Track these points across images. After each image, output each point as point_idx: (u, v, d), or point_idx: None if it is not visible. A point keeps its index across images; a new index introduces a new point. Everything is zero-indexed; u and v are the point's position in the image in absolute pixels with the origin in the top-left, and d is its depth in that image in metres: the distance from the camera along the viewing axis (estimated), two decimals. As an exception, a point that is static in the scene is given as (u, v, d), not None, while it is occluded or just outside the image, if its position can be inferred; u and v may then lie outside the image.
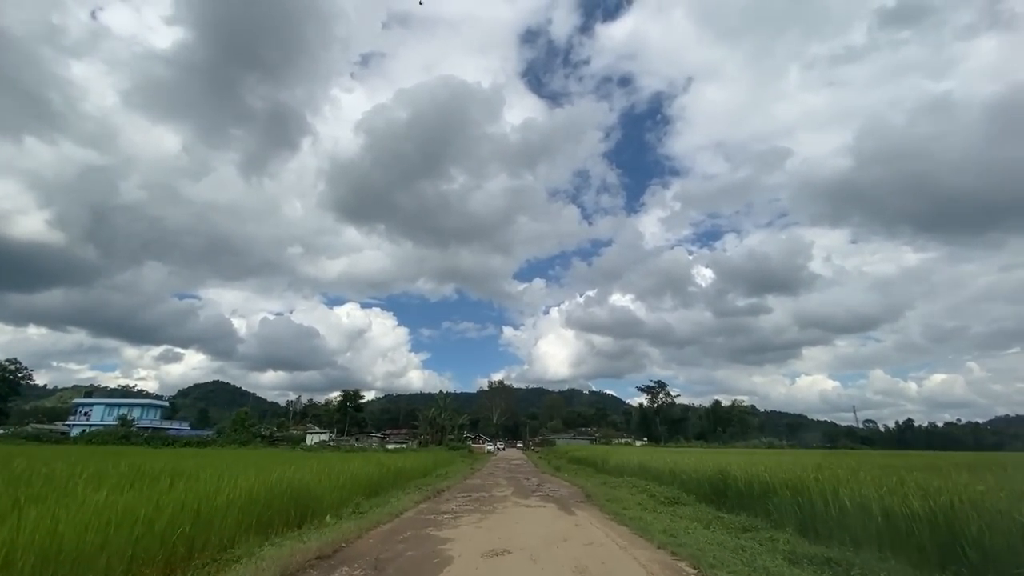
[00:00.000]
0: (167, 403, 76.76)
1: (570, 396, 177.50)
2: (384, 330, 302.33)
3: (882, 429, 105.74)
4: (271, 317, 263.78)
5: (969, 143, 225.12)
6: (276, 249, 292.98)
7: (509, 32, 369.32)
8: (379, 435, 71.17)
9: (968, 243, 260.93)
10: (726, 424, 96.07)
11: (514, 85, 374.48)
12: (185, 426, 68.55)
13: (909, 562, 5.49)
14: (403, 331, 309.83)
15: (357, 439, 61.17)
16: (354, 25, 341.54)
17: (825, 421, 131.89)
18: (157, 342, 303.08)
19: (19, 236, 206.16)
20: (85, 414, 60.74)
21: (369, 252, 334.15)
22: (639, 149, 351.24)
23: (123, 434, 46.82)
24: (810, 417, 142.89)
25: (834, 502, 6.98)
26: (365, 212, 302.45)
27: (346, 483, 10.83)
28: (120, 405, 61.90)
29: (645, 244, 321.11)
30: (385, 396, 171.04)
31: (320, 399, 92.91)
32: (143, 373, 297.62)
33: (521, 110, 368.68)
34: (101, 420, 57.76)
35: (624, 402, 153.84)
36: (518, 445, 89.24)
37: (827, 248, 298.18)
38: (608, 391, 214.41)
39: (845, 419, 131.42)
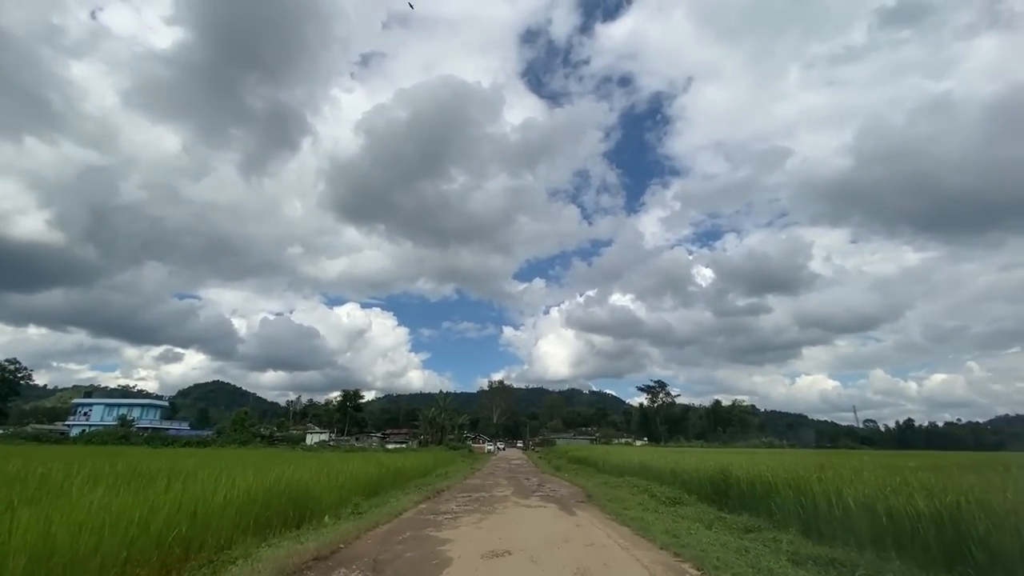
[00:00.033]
0: (167, 403, 76.84)
1: (570, 396, 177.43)
2: (384, 330, 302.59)
3: (882, 429, 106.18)
4: (271, 317, 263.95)
5: (969, 143, 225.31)
6: (276, 249, 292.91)
7: (509, 32, 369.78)
8: (379, 435, 71.12)
9: (968, 243, 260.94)
10: (726, 424, 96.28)
11: (514, 85, 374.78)
12: (185, 426, 68.62)
13: (914, 562, 5.43)
14: (403, 331, 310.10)
15: (357, 439, 61.13)
16: (354, 25, 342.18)
17: (825, 421, 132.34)
18: (157, 342, 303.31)
19: (19, 236, 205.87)
20: (85, 414, 60.80)
21: (369, 252, 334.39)
22: (639, 149, 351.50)
23: (123, 434, 46.91)
24: (810, 417, 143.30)
25: (838, 502, 6.92)
26: (365, 212, 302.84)
27: (345, 483, 10.77)
28: (120, 405, 62.00)
29: (645, 244, 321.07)
30: (385, 396, 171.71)
31: (320, 399, 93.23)
32: (143, 373, 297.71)
33: (521, 110, 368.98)
34: (101, 420, 57.78)
35: (624, 402, 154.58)
36: (518, 445, 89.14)
37: (827, 248, 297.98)
38: (608, 391, 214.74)
39: (845, 419, 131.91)
